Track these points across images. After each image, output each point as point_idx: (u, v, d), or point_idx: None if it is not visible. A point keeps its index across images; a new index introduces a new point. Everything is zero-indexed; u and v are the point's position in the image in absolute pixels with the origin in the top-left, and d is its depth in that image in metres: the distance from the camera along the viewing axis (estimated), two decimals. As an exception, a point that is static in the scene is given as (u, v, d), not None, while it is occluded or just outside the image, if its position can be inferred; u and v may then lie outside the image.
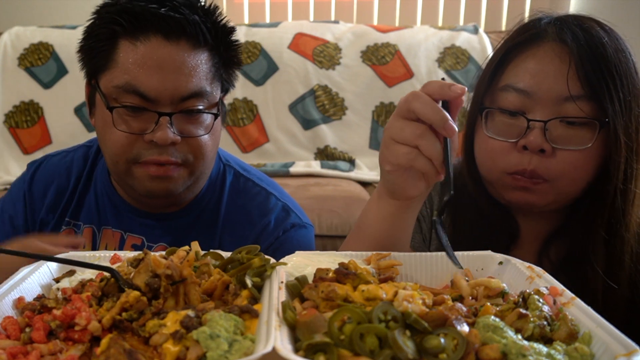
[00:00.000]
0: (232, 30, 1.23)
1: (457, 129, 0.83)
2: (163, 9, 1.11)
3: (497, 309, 0.69)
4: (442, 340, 0.59)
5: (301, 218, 1.38)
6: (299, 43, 2.93)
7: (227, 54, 1.23)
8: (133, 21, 1.11)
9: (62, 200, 1.34)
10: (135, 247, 1.30)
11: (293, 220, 1.35)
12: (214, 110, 1.20)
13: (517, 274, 0.81)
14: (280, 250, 1.30)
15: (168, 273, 0.71)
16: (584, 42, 1.02)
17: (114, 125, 1.14)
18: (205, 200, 1.33)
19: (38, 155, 2.72)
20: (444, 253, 0.86)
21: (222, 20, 1.21)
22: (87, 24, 1.18)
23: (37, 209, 1.35)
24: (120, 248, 1.30)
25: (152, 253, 0.77)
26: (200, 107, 1.17)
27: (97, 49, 1.15)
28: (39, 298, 0.75)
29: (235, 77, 1.30)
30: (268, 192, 1.37)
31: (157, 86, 1.11)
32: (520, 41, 1.08)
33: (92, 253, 0.89)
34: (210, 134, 1.20)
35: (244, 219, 1.33)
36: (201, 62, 1.16)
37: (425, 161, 0.86)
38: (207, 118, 1.19)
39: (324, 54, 2.91)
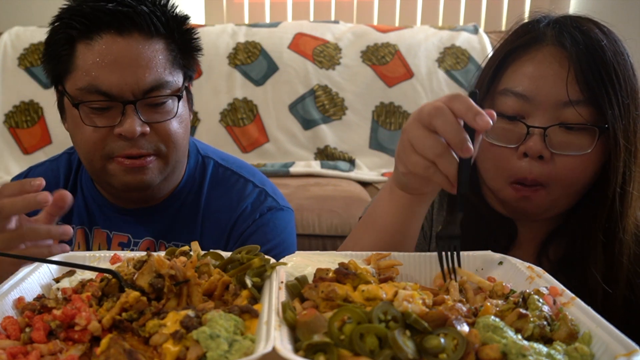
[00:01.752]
0: (185, 19, 1.25)
1: (473, 151, 0.81)
2: (111, 5, 1.13)
3: (497, 309, 0.69)
4: (442, 340, 0.59)
5: (278, 201, 1.40)
6: (299, 43, 2.93)
7: (183, 41, 1.24)
8: (85, 22, 1.14)
9: None
10: (122, 245, 1.31)
11: (270, 204, 1.37)
12: (177, 94, 1.21)
13: (517, 274, 0.81)
14: (258, 233, 1.33)
15: (172, 273, 0.71)
16: (583, 46, 1.02)
17: (82, 121, 1.16)
18: (184, 193, 1.34)
19: (38, 155, 2.73)
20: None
21: (172, 10, 1.23)
22: (47, 34, 1.21)
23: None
24: (109, 247, 1.32)
25: (156, 254, 0.77)
26: (164, 99, 1.18)
27: (57, 55, 1.17)
28: (39, 298, 0.75)
29: (196, 63, 1.30)
30: (246, 180, 1.39)
31: (117, 82, 1.13)
32: (518, 45, 1.08)
33: (92, 253, 0.89)
34: (179, 121, 1.21)
35: (223, 207, 1.35)
36: (157, 52, 1.17)
37: (441, 177, 0.85)
38: (173, 106, 1.20)
39: (324, 54, 2.91)
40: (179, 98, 1.21)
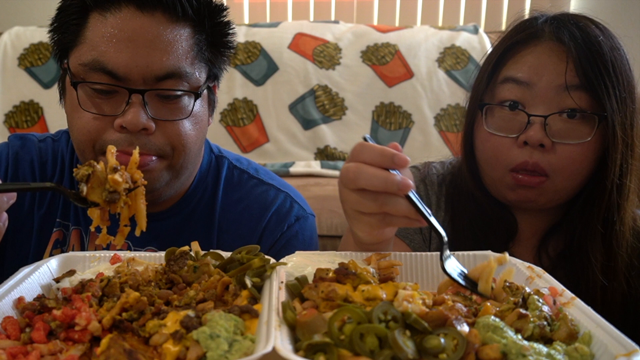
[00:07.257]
0: (221, 9, 1.11)
1: (411, 182, 0.79)
2: None
3: (497, 309, 0.69)
4: (442, 340, 0.59)
5: (304, 208, 1.29)
6: (299, 43, 2.92)
7: (214, 32, 1.10)
8: None
9: (47, 193, 1.21)
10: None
11: (297, 213, 1.25)
12: (195, 91, 1.07)
13: (517, 274, 0.81)
14: (286, 246, 1.22)
15: (127, 187, 0.75)
16: (581, 40, 1.04)
17: (80, 105, 1.02)
18: (196, 197, 1.21)
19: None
20: (444, 253, 0.87)
21: None
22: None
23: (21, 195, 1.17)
24: None
25: (99, 166, 0.77)
26: (179, 92, 1.04)
27: (66, 24, 1.04)
28: (39, 298, 0.75)
29: (226, 61, 1.16)
30: (267, 184, 1.27)
31: (127, 62, 0.99)
32: (517, 40, 1.10)
33: (92, 253, 0.89)
34: (192, 122, 1.07)
35: (244, 216, 1.22)
36: (180, 38, 1.03)
37: (400, 219, 0.83)
38: (188, 103, 1.06)
39: (324, 54, 2.91)
40: (196, 96, 1.06)
